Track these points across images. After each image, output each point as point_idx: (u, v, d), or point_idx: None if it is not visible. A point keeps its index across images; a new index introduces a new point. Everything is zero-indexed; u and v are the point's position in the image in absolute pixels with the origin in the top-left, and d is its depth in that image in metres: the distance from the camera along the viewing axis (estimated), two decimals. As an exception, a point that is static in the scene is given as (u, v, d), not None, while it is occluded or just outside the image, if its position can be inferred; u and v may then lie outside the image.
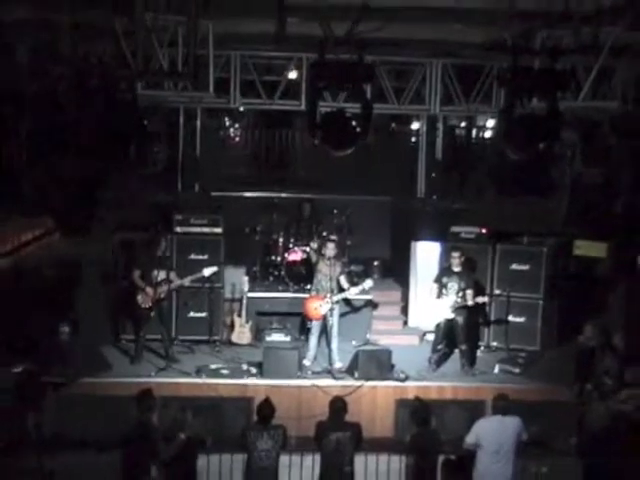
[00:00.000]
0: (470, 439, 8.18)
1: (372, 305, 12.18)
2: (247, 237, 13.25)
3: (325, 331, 11.03)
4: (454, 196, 14.17)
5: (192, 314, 11.85)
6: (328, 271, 10.96)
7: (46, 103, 9.54)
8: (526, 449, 8.30)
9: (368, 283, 11.23)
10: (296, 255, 12.68)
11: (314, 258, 11.66)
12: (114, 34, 8.56)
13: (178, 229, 11.99)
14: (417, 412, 8.54)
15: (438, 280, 11.29)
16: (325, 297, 10.91)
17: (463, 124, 17.09)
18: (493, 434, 8.10)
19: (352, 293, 11.18)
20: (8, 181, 11.45)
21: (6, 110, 10.77)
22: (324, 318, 10.94)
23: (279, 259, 12.88)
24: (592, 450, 8.80)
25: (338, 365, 10.95)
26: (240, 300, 12.12)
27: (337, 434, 8.05)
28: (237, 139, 17.88)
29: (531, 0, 8.32)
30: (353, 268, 12.82)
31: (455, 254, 11.27)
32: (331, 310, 10.91)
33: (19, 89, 9.98)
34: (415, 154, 15.29)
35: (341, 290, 11.02)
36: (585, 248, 11.90)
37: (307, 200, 13.55)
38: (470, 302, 11.02)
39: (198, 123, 14.38)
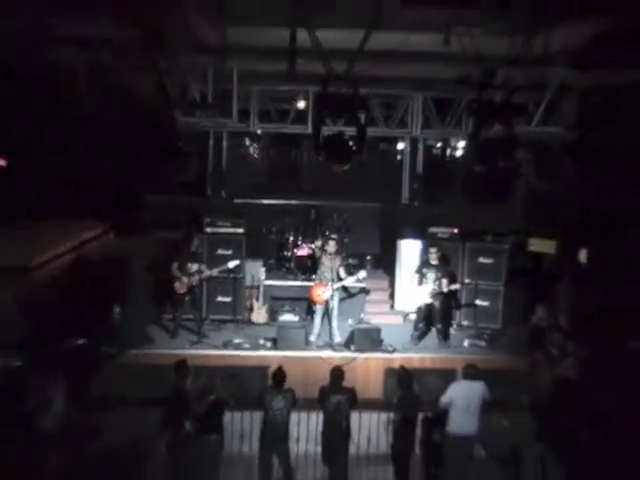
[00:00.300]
0: (444, 400, 8.21)
1: (365, 291, 12.18)
2: (264, 236, 13.25)
3: (327, 312, 11.08)
4: (432, 203, 14.12)
5: (219, 298, 11.86)
6: (329, 264, 11.02)
7: (104, 127, 9.58)
8: (489, 407, 8.31)
9: (362, 273, 11.26)
10: (303, 251, 12.75)
11: (318, 253, 11.73)
12: (158, 73, 8.58)
13: (208, 229, 12.00)
14: (402, 378, 8.54)
15: (419, 271, 11.33)
16: (327, 285, 10.96)
17: (439, 145, 17.01)
18: (463, 395, 8.14)
19: (349, 282, 11.22)
20: (70, 189, 11.47)
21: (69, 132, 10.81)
22: (326, 302, 11.02)
23: (289, 254, 12.93)
24: (541, 407, 8.82)
25: (337, 340, 11.00)
26: (258, 287, 12.19)
27: (337, 396, 8.08)
28: (255, 156, 17.73)
29: (493, 45, 8.34)
30: (350, 261, 12.81)
31: (432, 250, 11.32)
32: (332, 296, 10.99)
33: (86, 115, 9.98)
34: (400, 169, 15.27)
35: (340, 279, 11.06)
36: (537, 245, 11.90)
37: (312, 206, 13.59)
38: (445, 289, 11.06)
39: (224, 143, 14.39)
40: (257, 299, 12.05)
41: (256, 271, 12.32)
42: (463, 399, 8.10)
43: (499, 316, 11.99)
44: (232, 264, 11.21)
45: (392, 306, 12.71)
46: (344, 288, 11.53)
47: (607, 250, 11.23)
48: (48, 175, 10.57)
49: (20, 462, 6.42)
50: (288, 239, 13.05)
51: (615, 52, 7.84)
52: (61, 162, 10.71)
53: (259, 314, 11.93)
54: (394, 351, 10.75)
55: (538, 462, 8.36)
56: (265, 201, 14.34)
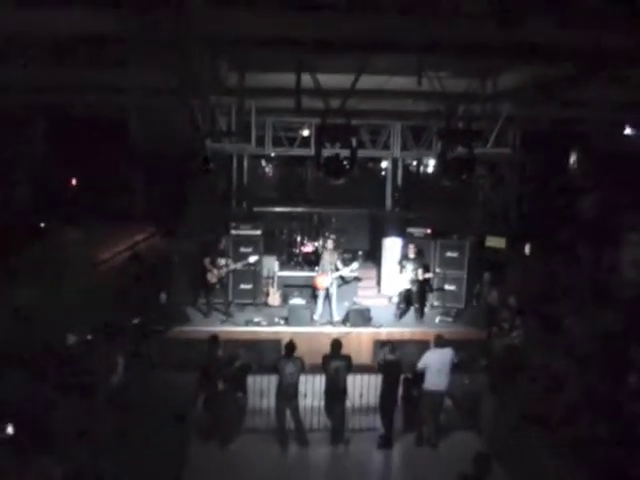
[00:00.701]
0: (421, 364, 8.20)
1: (357, 279, 12.13)
2: (277, 236, 13.22)
3: (327, 297, 11.06)
4: (409, 209, 14.13)
5: (242, 286, 11.78)
6: (329, 258, 11.03)
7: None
8: (456, 369, 8.33)
9: (355, 265, 11.22)
10: (308, 248, 12.73)
11: (320, 250, 11.76)
12: (191, 109, 8.65)
13: (233, 232, 11.94)
14: (388, 348, 8.58)
15: (400, 263, 11.37)
16: (327, 275, 10.98)
17: (415, 163, 17.07)
18: (436, 360, 8.13)
19: (345, 272, 11.19)
20: (130, 202, 11.52)
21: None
22: (327, 288, 11.01)
23: (297, 250, 12.89)
24: (495, 368, 8.87)
25: (336, 318, 10.99)
26: (273, 277, 12.14)
27: (336, 362, 8.09)
28: (270, 174, 17.86)
29: (456, 85, 8.39)
30: (345, 256, 12.78)
31: (411, 246, 11.37)
32: (331, 283, 11.00)
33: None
34: (384, 182, 15.28)
35: (337, 270, 11.06)
36: (492, 241, 11.91)
37: (315, 212, 13.59)
38: (420, 277, 11.09)
39: (245, 163, 14.42)
40: (272, 286, 12.03)
41: (271, 264, 12.28)
42: (436, 363, 8.09)
43: (462, 298, 11.98)
44: (252, 259, 11.22)
45: (379, 291, 12.67)
46: (341, 277, 11.50)
47: (545, 244, 11.34)
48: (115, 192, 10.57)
49: (88, 415, 6.47)
50: (296, 239, 13.03)
51: (548, 92, 7.88)
52: (122, 185, 10.73)
53: (274, 298, 11.91)
54: (381, 326, 10.78)
55: (491, 410, 8.41)
56: (277, 209, 14.40)
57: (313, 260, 12.28)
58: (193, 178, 11.60)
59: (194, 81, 6.98)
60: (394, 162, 14.84)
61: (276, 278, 12.11)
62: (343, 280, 11.79)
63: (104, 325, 8.18)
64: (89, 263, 9.48)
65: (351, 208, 14.49)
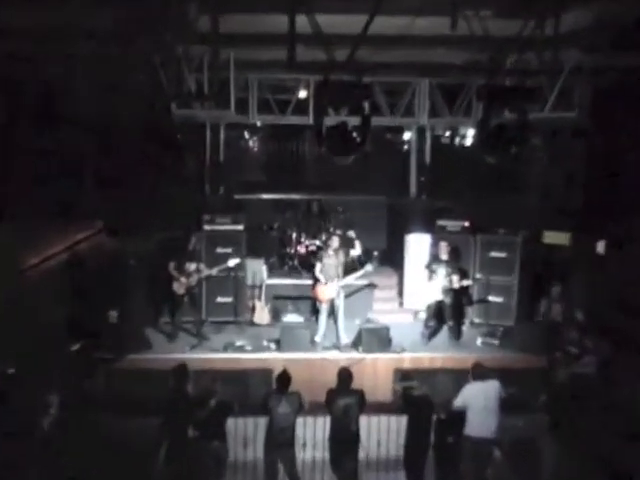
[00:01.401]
0: (458, 401, 8.16)
1: (372, 286, 12.15)
2: (265, 233, 13.28)
3: (332, 311, 11.04)
4: (441, 195, 14.09)
5: (219, 299, 11.82)
6: (334, 260, 10.97)
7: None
8: (506, 407, 8.27)
9: (368, 267, 11.16)
10: (306, 248, 12.77)
11: (322, 250, 11.69)
12: (152, 65, 8.57)
13: (206, 227, 11.95)
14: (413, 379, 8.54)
15: (428, 267, 11.30)
16: (332, 283, 10.92)
17: (447, 133, 17.00)
18: (478, 396, 8.08)
19: (354, 279, 11.16)
20: (60, 186, 11.52)
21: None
22: (331, 301, 10.97)
23: (292, 251, 12.93)
24: (558, 407, 8.81)
25: (344, 341, 10.97)
26: (260, 286, 12.18)
27: (344, 399, 8.05)
28: (255, 149, 17.83)
29: (503, 27, 8.30)
30: (355, 257, 12.71)
31: (443, 244, 11.29)
32: (337, 293, 10.95)
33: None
34: (407, 160, 15.27)
35: (345, 276, 10.99)
36: (551, 237, 11.83)
37: (315, 200, 13.56)
38: (456, 285, 11.02)
39: (222, 136, 14.40)
40: (259, 299, 12.04)
41: (257, 269, 12.32)
42: (479, 400, 8.06)
43: (513, 312, 11.95)
44: (232, 262, 11.17)
45: (401, 304, 12.70)
46: (350, 286, 11.47)
47: (624, 240, 11.24)
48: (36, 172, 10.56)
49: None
50: (290, 235, 13.05)
51: (627, 35, 7.79)
52: (52, 158, 10.72)
53: (261, 314, 11.91)
54: (403, 351, 10.73)
55: (553, 463, 8.37)
56: (265, 196, 14.41)
57: (313, 264, 12.14)
58: (153, 157, 11.56)
59: (154, 25, 6.90)
60: (420, 133, 14.81)
61: (264, 288, 12.13)
62: (353, 290, 11.81)
63: (31, 353, 8.13)
64: (11, 269, 9.41)
65: (363, 195, 14.53)
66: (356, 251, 12.67)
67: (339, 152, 8.24)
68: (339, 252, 11.07)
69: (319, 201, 13.60)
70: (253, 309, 12.02)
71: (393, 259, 13.48)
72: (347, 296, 11.41)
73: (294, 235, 13.03)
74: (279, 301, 12.18)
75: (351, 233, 12.91)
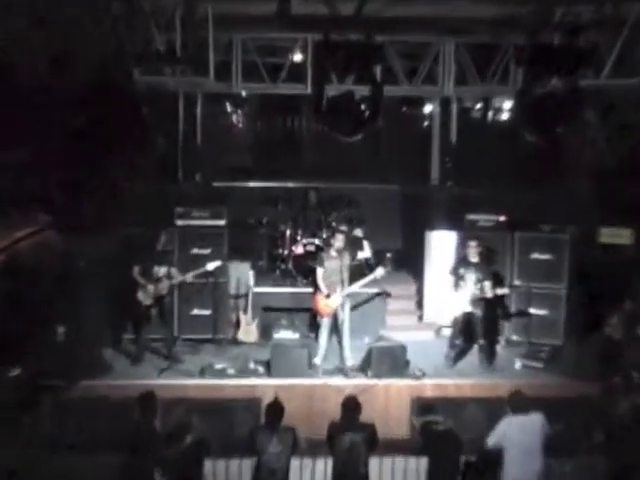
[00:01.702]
0: (493, 440, 8.14)
1: (385, 297, 12.23)
2: (252, 229, 13.33)
3: (336, 327, 11.02)
4: (470, 182, 14.07)
5: (195, 311, 11.85)
6: (338, 263, 10.91)
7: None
8: (552, 448, 8.24)
9: (379, 272, 11.07)
10: (303, 247, 12.80)
11: (324, 251, 11.68)
12: (111, 18, 8.55)
13: (179, 222, 11.99)
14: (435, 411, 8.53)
15: (454, 272, 11.26)
16: (335, 291, 10.89)
17: (478, 106, 16.98)
18: (517, 433, 8.05)
19: (363, 286, 11.17)
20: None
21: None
22: (335, 313, 10.94)
23: (286, 252, 12.97)
24: (619, 448, 8.76)
25: (350, 363, 10.94)
26: (246, 296, 12.19)
27: (350, 435, 7.99)
28: (240, 126, 17.80)
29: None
30: (363, 258, 12.80)
31: (472, 244, 11.23)
32: (342, 305, 10.92)
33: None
34: (428, 139, 15.34)
35: (352, 283, 11.00)
36: (610, 235, 11.84)
37: (314, 189, 13.62)
38: (489, 294, 10.99)
39: (198, 110, 14.36)
40: (244, 311, 12.03)
41: (243, 275, 12.36)
42: (518, 438, 8.03)
43: (560, 328, 11.95)
44: (211, 266, 11.17)
45: (420, 317, 12.78)
46: (357, 295, 11.53)
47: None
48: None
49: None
50: (284, 233, 13.10)
51: None
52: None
53: (247, 331, 11.90)
54: (424, 376, 10.71)
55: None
56: (252, 184, 14.49)
57: (312, 268, 12.09)
58: (112, 135, 11.52)
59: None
60: (444, 105, 14.86)
61: (251, 297, 12.12)
62: (361, 300, 11.87)
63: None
64: None
65: (374, 183, 14.57)
66: (365, 252, 12.67)
67: (344, 129, 8.25)
68: (344, 253, 11.03)
69: (319, 190, 13.64)
70: (237, 324, 12.03)
71: (411, 262, 13.55)
72: (354, 308, 11.41)
73: (288, 232, 13.07)
74: (269, 314, 12.21)
75: (358, 231, 12.91)
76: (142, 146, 10.51)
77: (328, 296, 10.88)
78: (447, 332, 11.71)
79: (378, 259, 13.05)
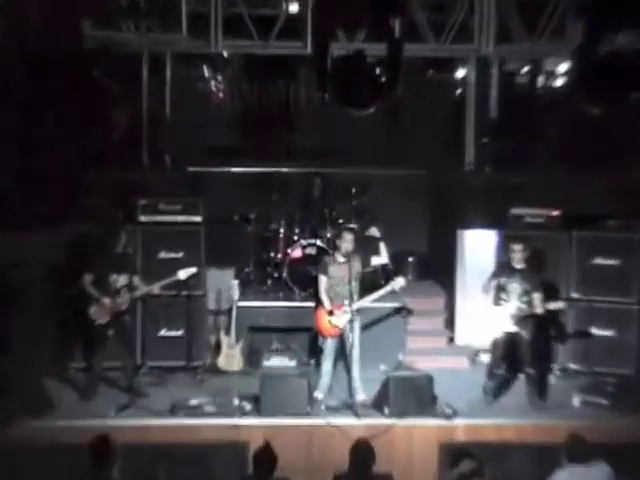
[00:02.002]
0: (544, 497, 8.14)
1: (406, 313, 12.24)
2: (237, 228, 13.39)
3: (343, 352, 11.02)
4: (514, 167, 14.06)
5: (164, 332, 11.92)
6: (345, 270, 10.89)
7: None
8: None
9: (399, 282, 11.04)
10: (301, 250, 12.80)
11: (328, 254, 11.74)
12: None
13: (143, 218, 12.02)
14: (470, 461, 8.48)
15: (495, 281, 11.23)
16: (343, 305, 10.88)
17: (525, 69, 16.98)
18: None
19: (379, 297, 11.10)
20: None
21: None
22: (341, 334, 10.93)
23: (280, 256, 13.00)
24: None
25: (361, 397, 10.93)
26: (228, 312, 12.22)
27: (363, 491, 8.03)
28: (221, 95, 17.79)
29: None
30: (378, 264, 12.80)
31: (517, 247, 11.19)
32: (351, 323, 10.87)
33: None
34: (461, 112, 15.36)
35: (363, 295, 10.98)
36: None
37: (316, 175, 13.65)
38: (539, 309, 10.94)
39: (168, 75, 14.33)
40: (227, 332, 12.02)
41: (224, 286, 12.41)
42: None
43: (631, 354, 11.92)
44: (184, 274, 11.15)
45: (451, 339, 12.84)
46: (371, 310, 11.52)
47: None
48: None
49: None
50: (277, 231, 13.14)
51: None
52: None
53: (230, 357, 11.90)
54: (455, 415, 10.68)
55: None
56: (238, 169, 14.53)
57: (312, 276, 12.15)
58: (56, 105, 11.51)
59: None
60: (482, 69, 14.87)
61: (235, 314, 12.12)
62: (376, 318, 11.91)
63: None
64: None
65: (392, 168, 14.61)
66: (381, 257, 12.62)
67: (354, 100, 8.21)
68: (354, 258, 10.99)
69: (322, 177, 13.68)
70: (217, 348, 12.03)
71: (439, 269, 13.63)
72: (366, 327, 11.45)
73: (283, 231, 13.12)
74: (258, 335, 12.26)
75: (373, 229, 12.84)
76: (95, 122, 10.51)
77: (333, 312, 10.87)
78: (485, 358, 11.78)
79: (397, 265, 13.14)
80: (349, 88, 8.12)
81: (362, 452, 8.17)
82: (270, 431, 9.68)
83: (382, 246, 12.78)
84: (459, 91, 16.30)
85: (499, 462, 9.82)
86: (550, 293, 11.22)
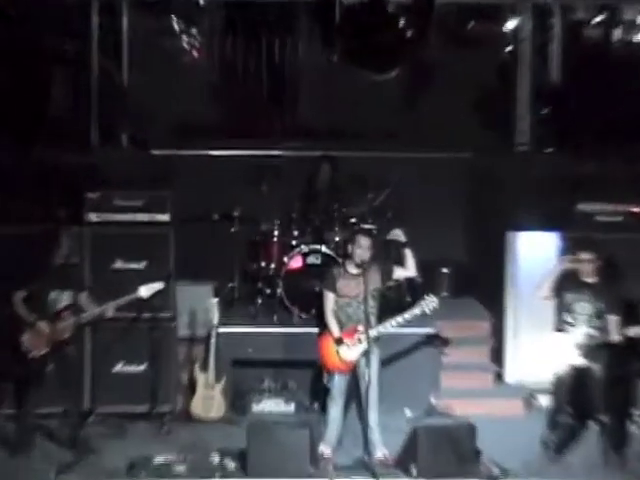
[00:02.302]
0: None
1: (440, 343, 12.28)
2: (217, 229, 13.50)
3: (357, 393, 11.02)
4: (582, 148, 14.02)
5: (120, 368, 11.95)
6: (359, 286, 10.89)
7: None
8: None
9: (431, 301, 11.05)
10: (303, 259, 12.85)
11: (338, 264, 11.71)
12: None
13: (93, 217, 12.02)
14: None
15: (557, 299, 11.19)
16: (356, 332, 10.85)
17: (598, 19, 16.96)
18: None
19: (402, 321, 11.06)
20: None
21: None
22: (354, 370, 10.91)
23: (273, 266, 13.02)
24: None
25: (381, 453, 10.90)
26: (206, 341, 12.19)
27: None
28: (195, 54, 17.78)
29: None
30: (402, 275, 12.73)
31: (586, 254, 11.18)
32: (367, 355, 10.83)
33: None
34: (512, 75, 15.41)
35: (383, 319, 10.94)
36: None
37: (322, 160, 13.73)
38: (615, 337, 10.93)
39: (124, 27, 14.31)
40: (203, 367, 12.00)
41: (201, 306, 12.41)
42: None
43: None
44: (147, 291, 11.13)
45: (499, 376, 12.87)
46: (393, 338, 11.46)
47: None
48: None
49: None
50: (270, 234, 13.19)
51: None
52: None
53: (208, 400, 11.93)
54: (505, 476, 10.62)
55: None
56: (217, 152, 14.73)
57: (316, 293, 12.19)
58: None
59: None
60: (540, 19, 14.85)
61: (214, 343, 12.12)
62: (401, 349, 11.97)
63: None
64: None
65: (421, 150, 14.70)
66: (406, 268, 12.48)
67: (371, 60, 8.16)
68: (371, 270, 10.98)
69: (330, 163, 13.76)
70: (191, 388, 12.08)
71: (482, 283, 13.73)
72: (387, 361, 11.45)
73: (277, 233, 13.16)
74: (245, 371, 12.31)
75: (397, 233, 12.72)
76: (28, 89, 10.52)
77: (343, 341, 10.84)
78: (545, 401, 11.78)
79: (428, 278, 13.10)
80: (364, 45, 8.06)
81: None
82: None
83: (408, 254, 12.62)
84: (509, 48, 16.31)
85: None
86: (630, 315, 11.18)
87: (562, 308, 11.06)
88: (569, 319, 10.99)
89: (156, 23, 16.45)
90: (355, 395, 11.05)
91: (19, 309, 10.85)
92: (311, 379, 12.02)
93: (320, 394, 11.65)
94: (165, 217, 12.13)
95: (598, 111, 14.73)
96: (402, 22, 8.13)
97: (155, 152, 13.92)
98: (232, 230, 13.34)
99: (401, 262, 12.20)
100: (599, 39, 17.05)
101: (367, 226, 12.35)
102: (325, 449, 10.91)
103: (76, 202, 12.01)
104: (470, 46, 16.94)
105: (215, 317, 12.23)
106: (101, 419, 11.73)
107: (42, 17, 8.97)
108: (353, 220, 12.94)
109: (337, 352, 10.81)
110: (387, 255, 12.16)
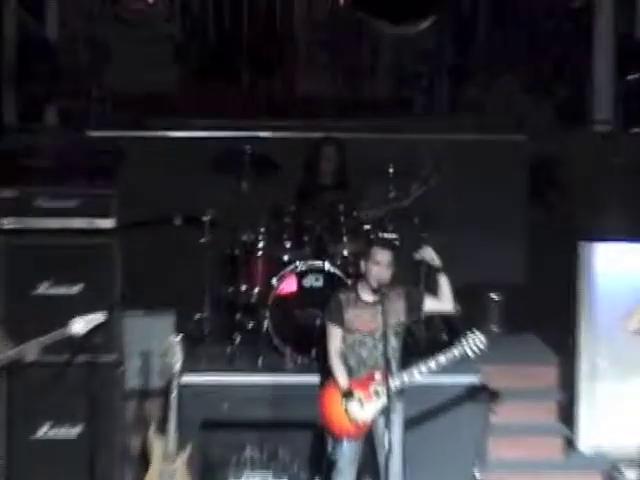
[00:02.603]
0: None
1: (488, 397, 11.95)
2: (180, 239, 13.34)
3: (374, 465, 10.78)
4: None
5: (45, 431, 11.58)
6: (376, 319, 10.53)
7: None
8: None
9: (475, 340, 10.82)
10: (298, 280, 12.59)
11: (347, 288, 11.47)
12: None
13: (7, 223, 11.64)
14: None
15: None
16: (371, 381, 10.51)
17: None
18: None
19: (436, 367, 10.77)
20: None
21: None
22: (369, 434, 10.66)
23: (257, 291, 12.77)
24: None
25: None
26: (164, 394, 11.89)
27: None
28: (150, 1, 17.65)
29: None
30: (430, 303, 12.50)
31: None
32: (387, 413, 10.51)
33: None
34: (583, 28, 15.06)
35: (409, 363, 10.59)
36: None
37: (326, 143, 13.57)
38: None
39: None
40: (160, 430, 11.70)
41: (157, 345, 12.07)
42: None
43: None
44: (83, 326, 10.69)
45: (570, 442, 12.57)
46: (421, 390, 11.16)
47: None
48: None
49: None
50: (253, 246, 13.00)
51: None
52: None
53: (167, 476, 11.63)
54: None
55: None
56: (180, 134, 14.52)
57: (315, 326, 12.00)
58: None
59: None
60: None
61: (175, 397, 11.74)
62: (435, 405, 11.75)
63: None
64: None
65: (459, 130, 14.58)
66: (439, 300, 12.12)
67: (391, 8, 7.87)
68: (391, 296, 10.65)
69: (337, 147, 13.63)
70: (144, 460, 11.80)
71: (545, 313, 13.34)
72: (415, 421, 11.29)
73: (262, 244, 12.94)
74: (219, 435, 12.09)
75: (428, 252, 12.36)
76: None
77: (353, 394, 10.55)
78: (633, 476, 11.47)
79: (472, 309, 12.87)
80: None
81: None
82: None
83: (444, 281, 12.29)
84: (578, 3, 16.13)
85: None
86: None
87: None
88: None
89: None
90: (371, 469, 10.82)
91: None
92: (309, 447, 11.77)
93: (322, 467, 11.35)
94: (108, 223, 11.81)
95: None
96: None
97: (94, 133, 13.63)
98: (201, 240, 13.14)
99: (433, 290, 11.85)
100: None
101: (387, 235, 11.96)
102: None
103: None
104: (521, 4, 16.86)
105: (177, 361, 11.94)
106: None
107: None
108: (367, 227, 12.68)
109: (346, 410, 10.56)
110: (413, 276, 11.91)
